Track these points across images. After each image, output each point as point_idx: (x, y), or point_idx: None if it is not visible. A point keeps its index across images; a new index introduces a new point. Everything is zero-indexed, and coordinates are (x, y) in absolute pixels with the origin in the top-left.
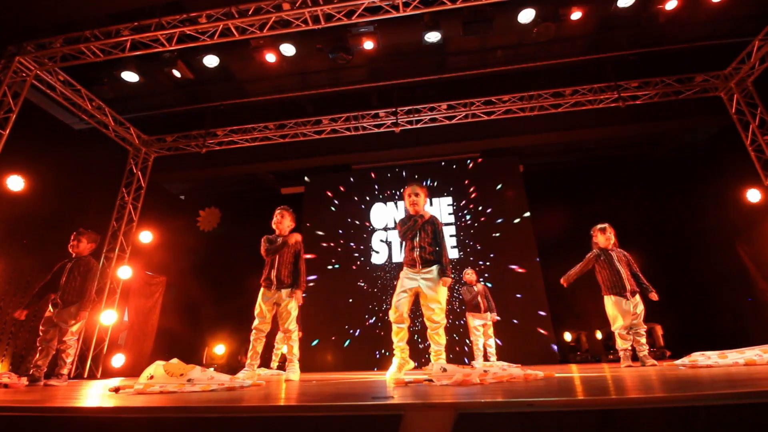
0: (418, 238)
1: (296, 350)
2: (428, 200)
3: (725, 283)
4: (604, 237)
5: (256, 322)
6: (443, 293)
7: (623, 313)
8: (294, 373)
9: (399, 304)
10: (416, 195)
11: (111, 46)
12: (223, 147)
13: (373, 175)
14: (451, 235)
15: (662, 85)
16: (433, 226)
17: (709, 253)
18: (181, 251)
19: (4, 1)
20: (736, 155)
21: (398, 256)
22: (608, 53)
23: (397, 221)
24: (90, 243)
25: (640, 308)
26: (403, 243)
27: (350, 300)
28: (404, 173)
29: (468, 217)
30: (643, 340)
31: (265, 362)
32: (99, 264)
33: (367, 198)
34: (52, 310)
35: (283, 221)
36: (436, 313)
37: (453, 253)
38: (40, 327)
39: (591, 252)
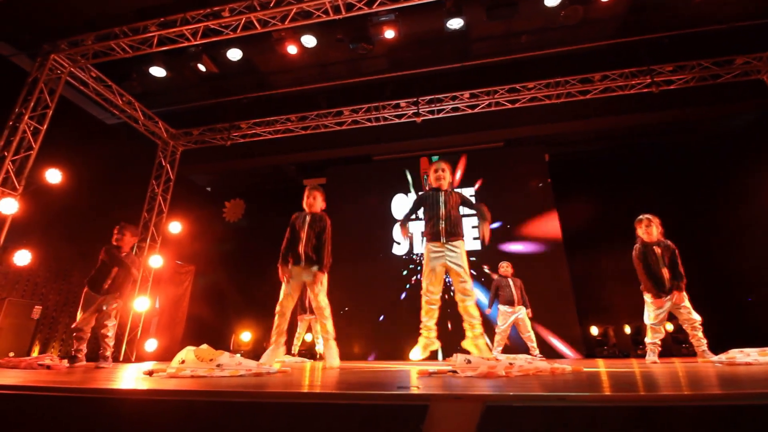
0: (443, 210)
1: (331, 328)
2: (453, 177)
3: (764, 277)
4: (641, 230)
5: (281, 301)
6: (466, 258)
7: (657, 309)
8: (333, 358)
9: (430, 283)
10: (443, 170)
11: (139, 42)
12: (247, 139)
13: (394, 165)
14: (473, 226)
15: (699, 68)
16: (461, 196)
17: (747, 246)
18: (208, 241)
19: (40, 1)
20: None
21: (420, 248)
22: (640, 36)
23: (417, 196)
24: (133, 237)
25: (685, 303)
26: (422, 216)
27: (372, 291)
28: (426, 164)
29: (492, 207)
30: (699, 333)
31: (287, 349)
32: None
33: (389, 189)
34: (97, 294)
35: (315, 203)
36: (468, 285)
37: (476, 245)
38: (81, 313)
39: (634, 250)
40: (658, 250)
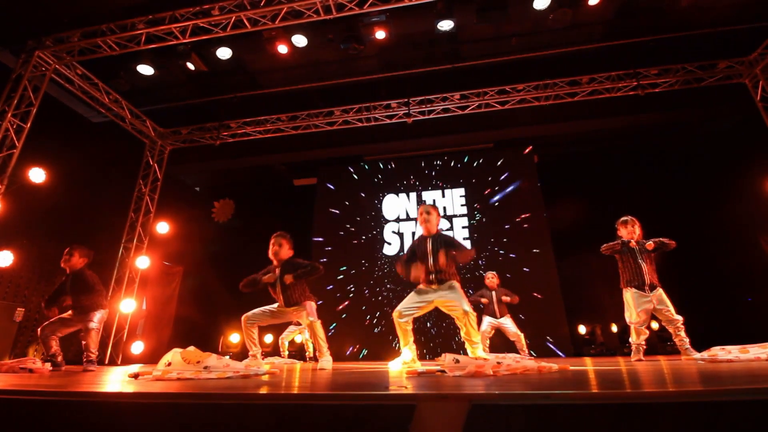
0: (431, 260)
1: (324, 345)
2: (441, 219)
3: (747, 277)
4: (626, 231)
5: (251, 314)
6: (460, 295)
7: (639, 308)
8: (327, 362)
9: (405, 310)
10: (428, 213)
11: (127, 39)
12: (237, 139)
13: (385, 166)
14: (463, 227)
15: (683, 72)
16: (445, 242)
17: (730, 247)
18: (196, 242)
19: None
20: (761, 145)
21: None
22: (627, 39)
23: (412, 242)
24: (82, 257)
25: (667, 304)
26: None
27: (363, 291)
28: (416, 164)
29: (481, 207)
30: (682, 333)
31: (277, 351)
32: (94, 274)
33: (380, 189)
34: (71, 313)
35: (281, 250)
36: (465, 309)
37: (465, 246)
38: (57, 325)
39: (617, 241)
40: (636, 248)
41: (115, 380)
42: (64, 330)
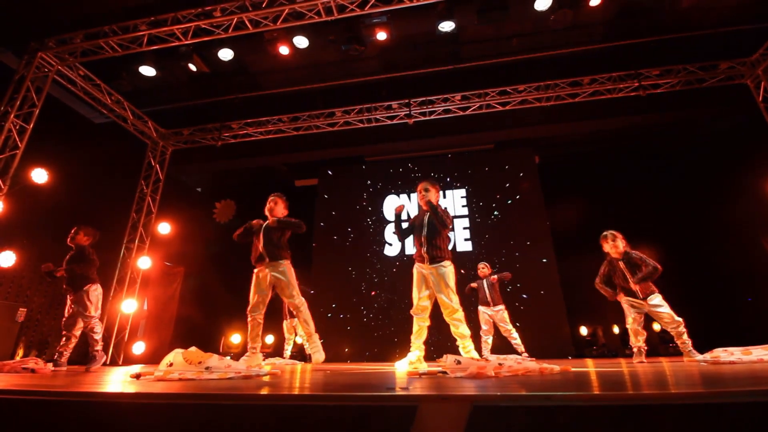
0: (425, 232)
1: (310, 322)
2: (440, 194)
3: (747, 277)
4: (609, 245)
5: (251, 304)
6: (452, 281)
7: (633, 313)
8: (318, 352)
9: (421, 303)
10: (426, 190)
11: (129, 41)
12: (238, 140)
13: (386, 167)
14: (464, 228)
15: (685, 72)
16: (436, 213)
17: (732, 247)
18: (198, 242)
19: None
20: (762, 145)
21: (411, 249)
22: (628, 40)
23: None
24: (87, 236)
25: (663, 309)
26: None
27: (363, 292)
28: (417, 165)
29: (482, 209)
30: (684, 337)
31: (278, 352)
32: (91, 249)
33: (380, 190)
34: (69, 299)
35: (276, 207)
36: (454, 307)
37: (467, 246)
38: (65, 316)
39: (602, 265)
40: (622, 265)
41: (117, 380)
42: (77, 320)
